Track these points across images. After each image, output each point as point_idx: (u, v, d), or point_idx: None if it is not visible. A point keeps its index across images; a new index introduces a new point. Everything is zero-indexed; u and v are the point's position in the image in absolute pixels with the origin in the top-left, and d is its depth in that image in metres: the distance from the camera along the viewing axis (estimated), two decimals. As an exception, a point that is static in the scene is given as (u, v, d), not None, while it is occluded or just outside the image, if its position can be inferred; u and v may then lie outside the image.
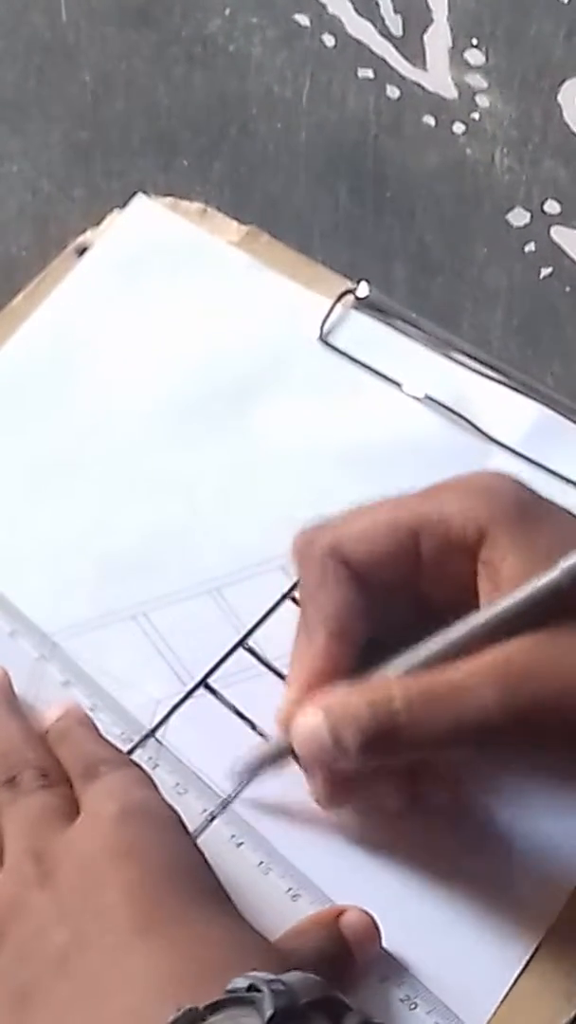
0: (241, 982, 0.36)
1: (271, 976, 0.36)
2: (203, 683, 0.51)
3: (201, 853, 0.44)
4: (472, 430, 0.56)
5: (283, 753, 0.47)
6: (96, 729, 0.48)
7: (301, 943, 0.44)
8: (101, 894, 0.41)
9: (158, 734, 0.50)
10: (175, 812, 0.44)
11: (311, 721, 0.45)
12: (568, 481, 0.55)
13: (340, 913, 0.45)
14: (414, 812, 0.47)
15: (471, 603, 0.46)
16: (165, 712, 0.50)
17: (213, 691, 0.50)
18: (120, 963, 0.39)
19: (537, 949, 0.46)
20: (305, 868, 0.47)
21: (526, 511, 0.46)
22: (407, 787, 0.47)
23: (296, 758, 0.46)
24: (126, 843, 0.42)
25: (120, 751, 0.48)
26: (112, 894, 0.41)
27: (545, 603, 0.43)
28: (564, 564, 0.43)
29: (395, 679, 0.45)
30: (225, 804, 0.48)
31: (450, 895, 0.47)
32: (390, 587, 0.47)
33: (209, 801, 0.48)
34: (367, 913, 0.45)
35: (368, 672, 0.46)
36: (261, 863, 0.47)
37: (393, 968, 0.45)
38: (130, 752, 0.49)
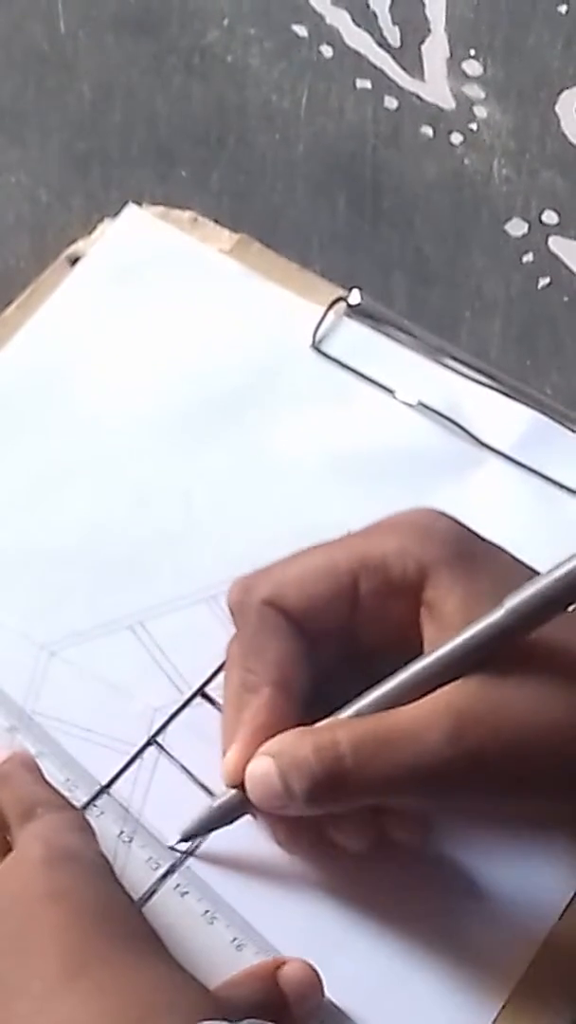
0: None
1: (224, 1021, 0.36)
2: (200, 692, 0.50)
3: (131, 899, 0.44)
4: (465, 436, 0.56)
5: (233, 809, 0.47)
6: (40, 772, 0.47)
7: (235, 994, 0.43)
8: (27, 938, 0.40)
9: (159, 739, 0.50)
10: (105, 858, 0.44)
11: (261, 767, 0.44)
12: (561, 486, 0.55)
13: (279, 965, 0.44)
14: (380, 853, 0.46)
15: (408, 643, 0.45)
16: (163, 720, 0.50)
17: (211, 700, 0.50)
18: (49, 1010, 0.38)
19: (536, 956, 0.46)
20: (251, 918, 0.47)
21: (465, 550, 0.46)
22: (370, 827, 0.46)
23: (251, 808, 0.46)
24: (53, 886, 0.41)
25: (60, 794, 0.47)
26: (39, 938, 0.40)
27: (491, 644, 0.43)
28: (509, 604, 0.43)
29: (340, 722, 0.44)
30: (174, 867, 0.48)
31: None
32: (328, 631, 0.47)
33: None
34: (309, 965, 0.44)
35: (317, 721, 0.46)
36: (206, 912, 0.47)
37: (336, 1020, 0.45)
38: (126, 767, 0.49)
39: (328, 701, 0.46)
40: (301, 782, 0.43)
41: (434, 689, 0.43)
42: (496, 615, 0.43)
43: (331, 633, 0.47)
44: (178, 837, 0.48)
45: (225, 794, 0.47)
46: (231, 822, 0.47)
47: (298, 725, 0.45)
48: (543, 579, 0.43)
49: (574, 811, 0.46)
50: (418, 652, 0.45)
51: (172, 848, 0.48)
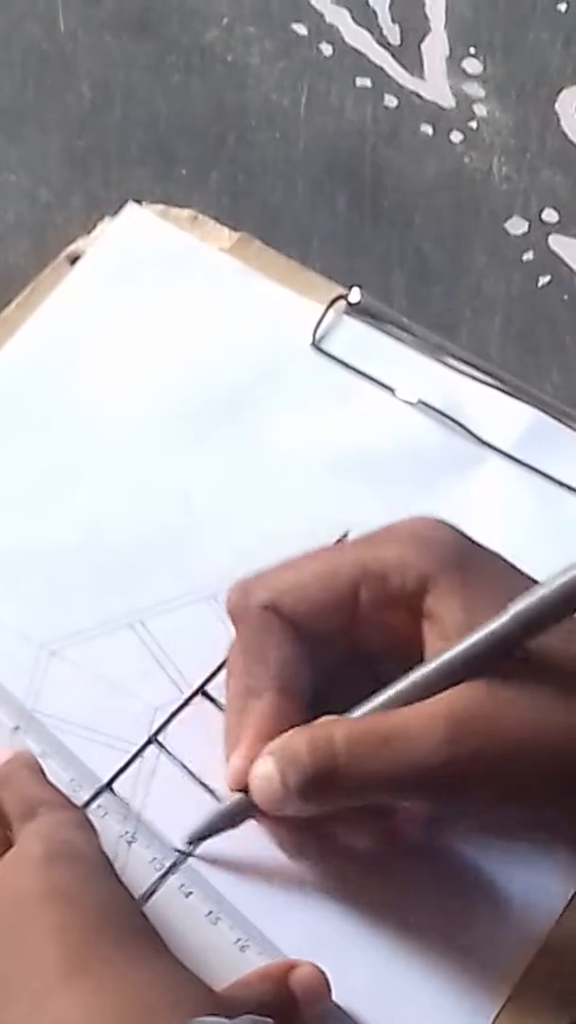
0: None
1: (224, 1021, 0.36)
2: (201, 690, 0.50)
3: (132, 897, 0.44)
4: (466, 434, 0.56)
5: (238, 813, 0.47)
6: (42, 772, 0.47)
7: (245, 994, 0.43)
8: (26, 937, 0.40)
9: (159, 738, 0.50)
10: (107, 856, 0.44)
11: (265, 767, 0.44)
12: (561, 484, 0.55)
13: (290, 967, 0.44)
14: (382, 855, 0.46)
15: (408, 650, 0.45)
16: (164, 719, 0.50)
17: (211, 698, 0.50)
18: (48, 1008, 0.38)
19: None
20: (255, 919, 0.47)
21: (464, 559, 0.46)
22: (375, 824, 0.46)
23: (255, 812, 0.46)
24: (52, 884, 0.41)
25: (62, 794, 0.46)
26: (38, 937, 0.40)
27: (493, 650, 0.43)
28: (514, 609, 0.43)
29: (338, 720, 0.44)
30: (177, 863, 0.48)
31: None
32: (327, 637, 0.47)
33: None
34: (318, 968, 0.44)
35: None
36: (210, 913, 0.47)
37: (338, 1020, 0.45)
38: (126, 765, 0.49)
39: (330, 704, 0.46)
40: (295, 776, 0.43)
41: (435, 694, 0.43)
42: (500, 620, 0.43)
43: (331, 638, 0.47)
44: (184, 840, 0.48)
45: (230, 798, 0.47)
46: (235, 825, 0.47)
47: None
48: (547, 585, 0.42)
49: (570, 818, 0.45)
50: (418, 659, 0.45)
51: (177, 851, 0.48)
